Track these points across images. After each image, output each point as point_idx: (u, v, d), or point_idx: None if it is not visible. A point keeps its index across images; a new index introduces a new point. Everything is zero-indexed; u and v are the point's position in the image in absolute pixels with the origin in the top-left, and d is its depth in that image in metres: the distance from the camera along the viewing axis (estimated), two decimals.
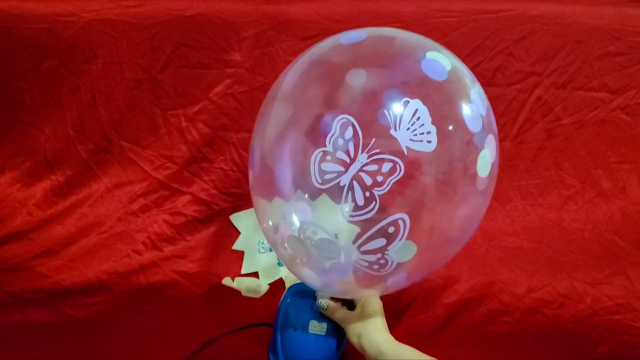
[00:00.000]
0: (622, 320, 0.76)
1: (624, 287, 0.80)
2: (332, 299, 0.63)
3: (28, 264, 0.82)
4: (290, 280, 0.82)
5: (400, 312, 0.78)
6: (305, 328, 0.61)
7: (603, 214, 0.85)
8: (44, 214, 0.86)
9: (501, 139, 0.87)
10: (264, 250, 0.88)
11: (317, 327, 0.61)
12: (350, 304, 0.62)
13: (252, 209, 0.90)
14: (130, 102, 0.86)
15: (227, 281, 0.84)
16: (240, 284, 0.83)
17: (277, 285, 0.83)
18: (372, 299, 0.60)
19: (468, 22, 0.82)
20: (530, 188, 0.87)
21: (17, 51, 0.83)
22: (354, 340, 0.58)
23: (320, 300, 0.62)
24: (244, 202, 0.90)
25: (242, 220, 0.90)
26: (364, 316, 0.59)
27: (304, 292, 0.65)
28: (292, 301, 0.64)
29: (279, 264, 0.87)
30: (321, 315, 0.62)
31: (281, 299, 0.66)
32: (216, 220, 0.89)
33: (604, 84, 0.83)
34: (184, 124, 0.87)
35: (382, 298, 0.81)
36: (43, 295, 0.78)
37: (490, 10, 0.82)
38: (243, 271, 0.86)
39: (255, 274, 0.86)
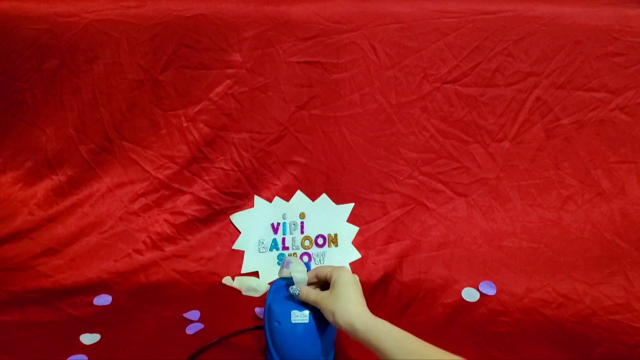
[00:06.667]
0: (621, 320, 0.76)
1: (623, 287, 0.80)
2: (309, 284, 0.63)
3: (29, 264, 0.82)
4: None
5: (400, 312, 0.78)
6: (288, 319, 0.61)
7: (602, 214, 0.85)
8: (45, 214, 0.86)
9: (500, 139, 0.87)
10: (264, 250, 0.89)
11: (299, 317, 0.61)
12: (327, 286, 0.61)
13: (252, 209, 0.90)
14: (131, 102, 0.87)
15: (227, 280, 0.85)
16: (240, 283, 0.83)
17: None
18: (343, 274, 0.59)
19: (467, 22, 0.82)
20: (530, 188, 0.87)
21: (18, 51, 0.83)
22: (329, 318, 0.57)
23: (291, 288, 0.62)
24: (244, 201, 0.90)
25: (242, 219, 0.90)
26: (335, 292, 0.57)
27: (284, 286, 0.65)
28: (273, 297, 0.64)
29: (279, 264, 0.87)
30: (302, 304, 0.62)
31: (266, 299, 0.66)
32: (217, 219, 0.90)
33: (603, 84, 0.83)
34: (184, 124, 0.88)
35: (383, 297, 0.81)
36: (44, 294, 0.79)
37: (490, 11, 0.82)
38: (243, 270, 0.87)
39: (255, 274, 0.87)
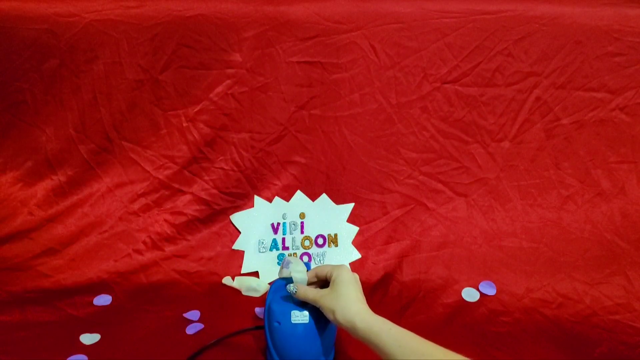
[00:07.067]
0: (621, 320, 0.76)
1: (623, 287, 0.80)
2: (309, 283, 0.63)
3: (29, 264, 0.82)
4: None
5: (400, 312, 0.78)
6: (288, 320, 0.61)
7: (602, 214, 0.85)
8: (45, 214, 0.86)
9: (500, 139, 0.87)
10: (264, 250, 0.89)
11: (299, 317, 0.61)
12: (325, 284, 0.61)
13: (252, 209, 0.90)
14: (131, 102, 0.87)
15: (227, 280, 0.85)
16: (240, 283, 0.83)
17: None
18: (342, 273, 0.59)
19: (467, 22, 0.82)
20: (530, 188, 0.87)
21: (18, 51, 0.83)
22: (329, 317, 0.57)
23: (288, 286, 0.62)
24: (244, 201, 0.90)
25: (242, 220, 0.90)
26: (335, 291, 0.57)
27: (284, 286, 0.65)
28: (273, 297, 0.64)
29: (279, 264, 0.87)
30: (302, 304, 0.62)
31: (266, 299, 0.66)
32: (217, 219, 0.90)
33: (603, 84, 0.83)
34: (184, 124, 0.88)
35: (383, 297, 0.81)
36: (44, 294, 0.79)
37: (490, 11, 0.82)
38: (243, 270, 0.87)
39: (255, 274, 0.87)
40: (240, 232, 0.89)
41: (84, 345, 0.68)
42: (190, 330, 0.72)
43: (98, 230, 0.87)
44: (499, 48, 0.83)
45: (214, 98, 0.86)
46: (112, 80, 0.86)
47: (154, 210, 0.89)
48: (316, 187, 0.90)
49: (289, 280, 0.64)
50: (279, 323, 0.61)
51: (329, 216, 0.90)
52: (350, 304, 0.56)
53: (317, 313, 0.60)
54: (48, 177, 0.88)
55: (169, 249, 0.87)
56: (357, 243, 0.89)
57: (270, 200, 0.90)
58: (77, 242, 0.85)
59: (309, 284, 0.63)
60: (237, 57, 0.85)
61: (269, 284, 0.84)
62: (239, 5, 0.83)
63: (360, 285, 0.60)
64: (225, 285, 0.84)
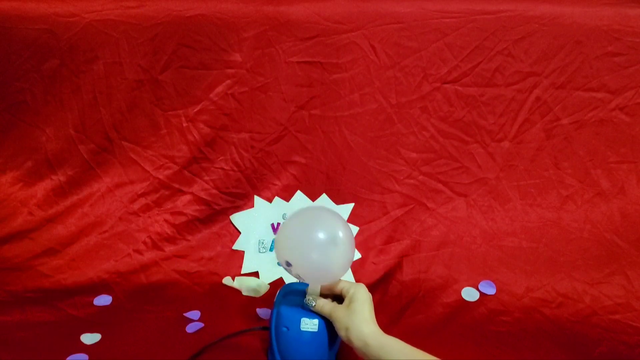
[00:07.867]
0: (621, 319, 0.76)
1: (623, 286, 0.80)
2: (321, 295, 0.63)
3: (29, 264, 0.82)
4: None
5: (400, 312, 0.78)
6: (297, 326, 0.60)
7: (602, 214, 0.85)
8: (45, 214, 0.86)
9: (500, 139, 0.87)
10: (264, 250, 0.89)
11: (309, 325, 0.61)
12: (339, 299, 0.62)
13: (252, 209, 0.90)
14: (131, 102, 0.87)
15: (227, 281, 0.85)
16: (240, 283, 0.84)
17: (277, 284, 0.84)
18: (360, 291, 0.60)
19: (467, 22, 0.82)
20: (530, 188, 0.87)
21: (18, 52, 0.83)
22: (341, 333, 0.58)
23: (307, 298, 0.62)
24: (244, 201, 0.90)
25: (242, 220, 0.90)
26: (351, 308, 0.58)
27: (295, 292, 0.65)
28: (283, 302, 0.64)
29: (279, 264, 0.87)
30: (312, 312, 0.62)
31: (274, 301, 0.66)
32: (217, 220, 0.90)
33: (603, 84, 0.83)
34: (184, 124, 0.88)
35: (383, 297, 0.82)
36: (44, 294, 0.79)
37: (490, 11, 0.82)
38: (243, 271, 0.87)
39: (255, 274, 0.87)
40: (240, 232, 0.89)
41: (85, 345, 0.68)
42: (191, 329, 0.72)
43: (98, 230, 0.87)
44: (499, 48, 0.83)
45: (214, 98, 0.86)
46: (112, 80, 0.85)
47: (154, 210, 0.89)
48: (316, 187, 0.90)
49: (300, 285, 0.64)
50: (287, 329, 0.61)
51: None
52: (364, 323, 0.57)
53: (326, 322, 0.60)
54: (48, 177, 0.88)
55: (169, 249, 0.87)
56: (357, 243, 0.89)
57: (270, 200, 0.90)
58: (77, 242, 0.85)
59: (321, 295, 0.64)
60: (237, 57, 0.85)
61: (269, 284, 0.84)
62: (239, 5, 0.83)
63: (373, 306, 0.61)
64: (225, 285, 0.84)
